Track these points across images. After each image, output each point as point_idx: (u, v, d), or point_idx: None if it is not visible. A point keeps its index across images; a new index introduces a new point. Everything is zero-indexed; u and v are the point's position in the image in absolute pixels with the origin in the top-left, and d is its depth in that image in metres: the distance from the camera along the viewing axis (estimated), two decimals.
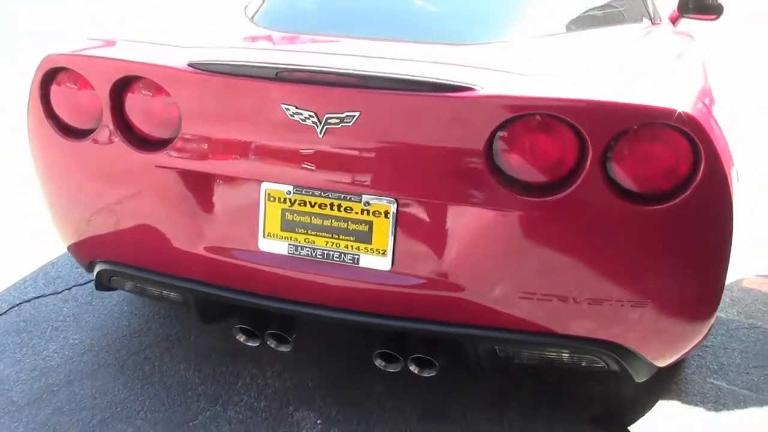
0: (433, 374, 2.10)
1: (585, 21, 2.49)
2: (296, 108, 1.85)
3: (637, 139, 1.77)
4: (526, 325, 1.95)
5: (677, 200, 1.76)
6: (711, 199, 1.78)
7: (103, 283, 2.31)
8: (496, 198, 1.83)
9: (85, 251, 2.31)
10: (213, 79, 1.93)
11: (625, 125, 1.75)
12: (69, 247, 2.37)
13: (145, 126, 2.05)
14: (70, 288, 2.95)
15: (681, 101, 1.76)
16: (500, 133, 1.80)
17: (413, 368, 2.11)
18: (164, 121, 2.02)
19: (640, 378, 2.06)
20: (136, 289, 2.31)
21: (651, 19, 2.78)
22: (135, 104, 2.04)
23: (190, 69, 1.93)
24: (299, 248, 1.99)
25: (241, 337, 2.22)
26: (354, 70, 1.84)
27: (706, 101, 1.89)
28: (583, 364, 2.04)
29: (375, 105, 1.83)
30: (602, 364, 2.01)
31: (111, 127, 2.05)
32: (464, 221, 1.89)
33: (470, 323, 1.96)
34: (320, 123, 1.84)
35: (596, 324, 1.92)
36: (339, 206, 1.94)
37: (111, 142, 2.06)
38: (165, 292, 2.24)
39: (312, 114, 1.84)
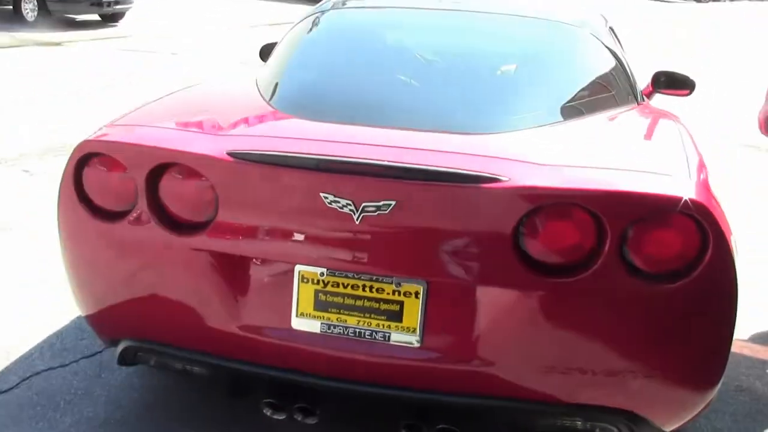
0: None
1: (583, 107, 2.66)
2: (334, 196, 1.97)
3: (650, 224, 1.92)
4: (546, 396, 2.07)
5: (688, 279, 1.92)
6: (718, 274, 1.94)
7: (127, 359, 2.37)
8: (520, 279, 1.97)
9: (110, 327, 2.38)
10: (253, 168, 2.04)
11: (640, 213, 1.91)
12: (90, 322, 2.43)
13: (180, 210, 2.14)
14: (77, 360, 2.99)
15: (686, 187, 1.93)
16: (526, 220, 1.94)
17: None
18: (200, 206, 2.11)
19: None
20: (160, 364, 2.37)
21: (636, 100, 2.98)
22: (171, 189, 2.13)
23: (230, 158, 2.04)
24: (331, 327, 2.09)
25: (268, 411, 2.28)
26: (391, 162, 1.97)
27: (703, 176, 2.08)
28: (597, 431, 2.17)
29: (410, 195, 1.96)
30: (615, 430, 2.13)
31: (146, 210, 2.14)
32: (490, 300, 2.01)
33: (494, 395, 2.08)
34: (357, 211, 1.96)
35: (611, 393, 2.06)
36: (371, 287, 2.05)
37: (145, 224, 2.14)
38: (191, 367, 2.31)
39: (349, 202, 1.96)
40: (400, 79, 2.73)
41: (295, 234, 2.06)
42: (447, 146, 2.14)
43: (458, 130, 2.28)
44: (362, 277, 2.05)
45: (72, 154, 2.21)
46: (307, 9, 3.34)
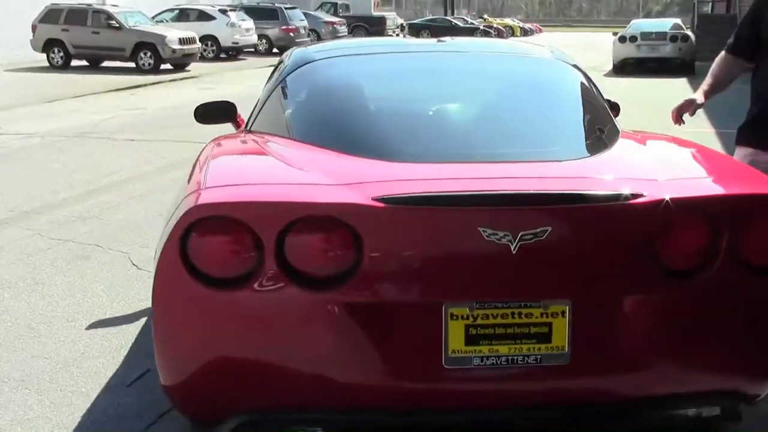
0: None
1: (604, 132, 2.85)
2: (492, 230, 2.01)
3: (756, 219, 2.19)
4: (676, 389, 2.26)
5: None
6: None
7: None
8: (658, 285, 2.14)
9: (221, 405, 2.19)
10: (405, 212, 2.03)
11: (750, 210, 2.18)
12: (188, 403, 2.24)
13: (315, 265, 2.05)
14: None
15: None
16: (661, 229, 2.13)
17: None
18: (339, 258, 2.05)
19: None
20: None
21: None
22: (304, 245, 2.04)
23: (381, 204, 2.01)
24: (484, 359, 2.11)
25: None
26: (549, 191, 2.06)
27: None
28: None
29: (561, 219, 2.06)
30: (719, 409, 2.36)
31: (276, 270, 2.03)
32: (630, 309, 2.16)
33: (641, 397, 2.23)
34: (515, 241, 2.02)
35: (725, 376, 2.30)
36: (520, 314, 2.11)
37: (276, 285, 2.04)
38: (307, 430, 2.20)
39: (508, 233, 2.02)
40: (457, 116, 2.80)
41: (442, 273, 2.07)
42: (571, 173, 2.27)
43: (548, 159, 2.42)
44: (510, 305, 2.10)
45: (180, 220, 2.02)
46: None
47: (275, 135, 2.79)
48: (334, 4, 34.94)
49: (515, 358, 2.12)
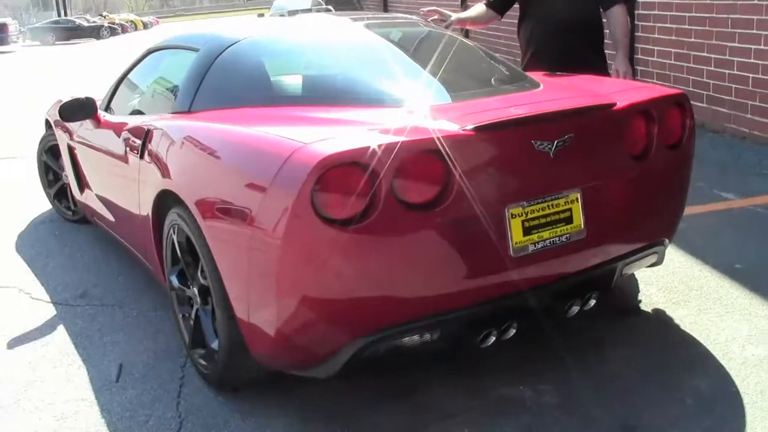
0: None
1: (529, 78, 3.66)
2: (540, 141, 2.68)
3: (669, 111, 3.10)
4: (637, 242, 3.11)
5: None
6: None
7: (358, 358, 2.57)
8: (629, 168, 2.96)
9: (339, 333, 2.54)
10: (485, 136, 2.59)
11: (666, 106, 3.09)
12: (311, 340, 2.55)
13: (419, 193, 2.50)
14: None
15: None
16: (629, 126, 2.95)
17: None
18: (436, 182, 2.53)
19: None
20: (391, 348, 2.64)
21: None
22: (411, 177, 2.47)
23: (470, 132, 2.56)
24: (536, 244, 2.76)
25: (483, 342, 2.78)
26: (569, 108, 2.77)
27: None
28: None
29: (576, 127, 2.77)
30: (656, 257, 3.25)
31: (389, 204, 2.42)
32: (614, 189, 2.94)
33: (629, 252, 3.04)
34: (553, 147, 2.71)
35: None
36: (552, 204, 2.78)
37: (394, 214, 2.45)
38: (425, 336, 2.67)
39: (549, 142, 2.70)
40: (432, 67, 3.34)
41: (506, 181, 2.68)
42: (563, 95, 3.00)
43: (528, 89, 3.15)
44: (546, 199, 2.77)
45: (310, 174, 2.32)
46: None
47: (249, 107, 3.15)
48: None
49: (554, 239, 2.79)
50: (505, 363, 3.08)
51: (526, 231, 2.72)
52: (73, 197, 5.23)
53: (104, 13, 53.39)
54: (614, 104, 2.87)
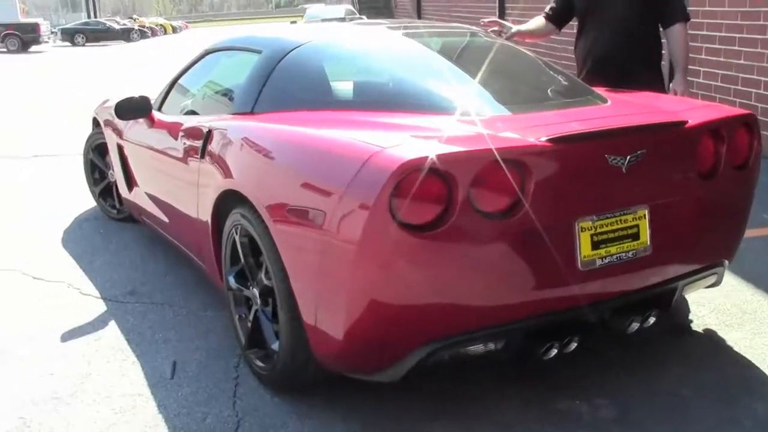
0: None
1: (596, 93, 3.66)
2: (614, 156, 2.67)
3: (735, 132, 3.08)
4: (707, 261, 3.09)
5: None
6: None
7: (424, 364, 2.57)
8: (696, 187, 2.94)
9: (408, 339, 2.54)
10: (562, 148, 2.57)
11: (728, 126, 3.08)
12: (378, 345, 2.56)
13: (495, 202, 2.50)
14: None
15: None
16: (699, 145, 2.94)
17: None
18: (511, 192, 2.52)
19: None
20: (457, 355, 2.65)
21: None
22: (487, 185, 2.47)
23: (548, 143, 2.55)
24: (603, 259, 2.75)
25: (545, 354, 2.77)
26: (647, 122, 2.76)
27: None
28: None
29: (648, 143, 2.76)
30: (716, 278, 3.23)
31: (465, 211, 2.42)
32: (680, 208, 2.93)
33: (689, 272, 3.02)
34: (626, 163, 2.71)
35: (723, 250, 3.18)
36: (620, 220, 2.77)
37: (471, 222, 2.45)
38: (489, 345, 2.66)
39: (622, 157, 2.69)
40: (496, 77, 3.35)
41: (577, 194, 2.67)
42: (633, 111, 3.00)
43: (596, 103, 3.16)
44: (615, 214, 2.76)
45: (389, 178, 2.32)
46: None
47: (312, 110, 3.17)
48: None
49: (620, 255, 2.78)
50: (561, 376, 3.08)
51: (595, 245, 2.71)
52: (119, 196, 5.27)
53: (134, 17, 54.03)
54: (686, 122, 2.86)
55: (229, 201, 3.14)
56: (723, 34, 7.02)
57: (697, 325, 3.60)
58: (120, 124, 4.69)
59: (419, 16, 20.08)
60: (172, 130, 3.88)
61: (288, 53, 3.44)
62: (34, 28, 32.70)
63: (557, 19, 4.43)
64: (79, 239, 5.17)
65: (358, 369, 2.70)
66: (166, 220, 4.14)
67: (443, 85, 3.27)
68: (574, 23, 4.44)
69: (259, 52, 3.58)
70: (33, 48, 32.99)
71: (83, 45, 37.33)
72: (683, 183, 2.92)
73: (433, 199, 2.41)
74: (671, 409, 2.87)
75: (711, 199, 3.00)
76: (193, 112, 4.06)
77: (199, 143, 3.43)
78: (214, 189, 3.22)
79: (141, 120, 4.27)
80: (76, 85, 16.94)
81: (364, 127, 2.82)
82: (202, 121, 3.58)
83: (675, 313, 3.67)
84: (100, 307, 3.98)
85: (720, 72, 7.15)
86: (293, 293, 2.69)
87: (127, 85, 14.41)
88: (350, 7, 24.37)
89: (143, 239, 5.06)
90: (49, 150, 8.61)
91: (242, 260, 3.11)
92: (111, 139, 4.99)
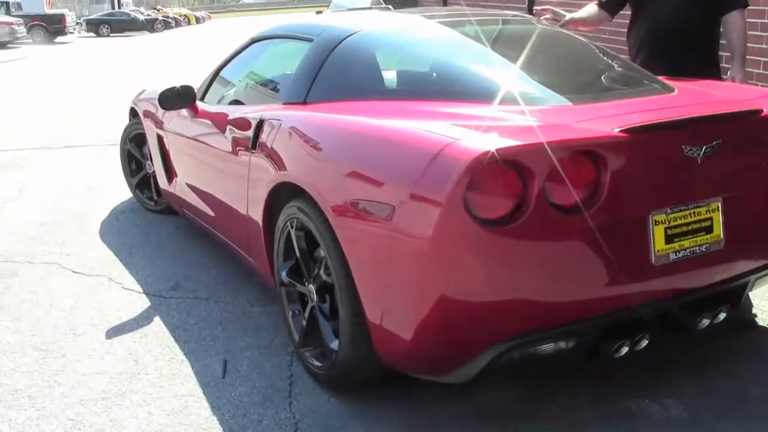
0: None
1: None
2: (690, 146, 2.54)
3: None
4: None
5: None
6: None
7: (494, 365, 2.45)
8: None
9: (480, 337, 2.42)
10: (638, 139, 2.44)
11: None
12: (447, 344, 2.45)
13: (571, 194, 2.37)
14: None
15: None
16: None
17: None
18: (586, 185, 2.41)
19: None
20: (529, 354, 2.52)
21: None
22: (564, 177, 2.34)
23: (624, 134, 2.42)
24: (677, 253, 2.62)
25: (616, 353, 2.65)
26: (723, 112, 2.62)
27: None
28: None
29: (724, 133, 2.62)
30: None
31: (541, 204, 2.31)
32: (754, 201, 2.79)
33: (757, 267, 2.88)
34: (701, 153, 2.57)
35: None
36: (694, 213, 2.64)
37: (547, 216, 2.33)
38: (561, 343, 2.54)
39: (698, 148, 2.55)
40: (561, 65, 3.22)
41: (652, 186, 2.54)
42: (705, 99, 2.85)
43: (664, 92, 3.00)
44: (689, 206, 2.63)
45: (464, 171, 2.21)
46: None
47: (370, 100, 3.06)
48: (5, 3, 32.23)
49: (693, 249, 2.65)
50: (623, 375, 2.96)
51: (668, 239, 2.58)
52: (157, 187, 5.19)
53: (158, 7, 54.11)
54: (762, 110, 2.72)
55: (283, 194, 3.04)
56: None
57: (762, 320, 3.46)
58: (160, 114, 4.61)
59: (445, 4, 19.87)
60: (218, 120, 3.78)
61: (341, 41, 3.32)
62: (60, 19, 32.81)
63: (610, 6, 4.29)
64: (116, 232, 5.09)
65: (427, 369, 2.59)
66: (210, 213, 4.04)
67: (501, 74, 3.13)
68: (625, 12, 4.29)
69: (310, 40, 3.47)
70: (58, 39, 33.12)
71: (108, 35, 37.43)
72: (756, 173, 2.78)
73: (509, 192, 2.30)
74: (742, 409, 2.75)
75: None
76: (238, 102, 3.96)
77: (249, 134, 3.33)
78: (267, 182, 3.12)
79: (183, 110, 4.17)
80: (110, 75, 16.92)
81: (426, 117, 2.70)
82: (251, 112, 3.48)
83: (739, 308, 3.52)
84: (143, 302, 3.90)
85: None
86: (356, 290, 2.57)
87: (168, 75, 14.35)
88: None
89: (182, 232, 4.98)
90: (79, 140, 8.57)
91: (297, 255, 3.00)
92: (150, 130, 4.91)
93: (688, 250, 2.63)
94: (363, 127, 2.76)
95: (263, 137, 3.21)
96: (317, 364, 2.94)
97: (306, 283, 2.99)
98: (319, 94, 3.21)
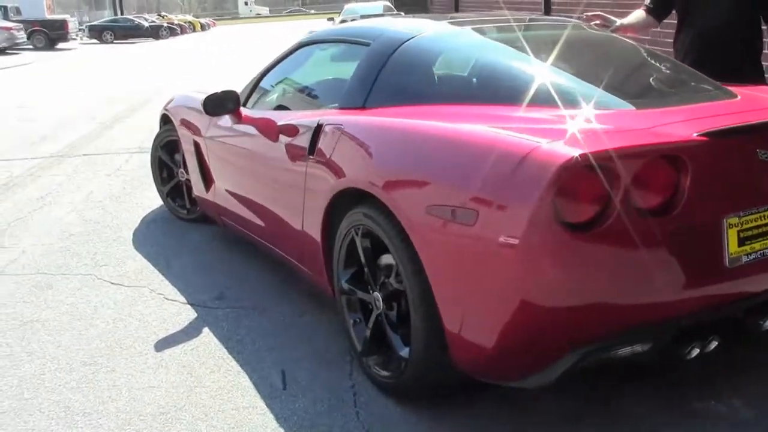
0: None
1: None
2: (763, 151, 2.50)
3: None
4: None
5: None
6: None
7: (575, 368, 2.42)
8: None
9: (562, 343, 2.39)
10: (715, 143, 2.41)
11: None
12: (521, 353, 2.42)
13: (654, 198, 2.35)
14: None
15: None
16: None
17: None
18: (668, 189, 2.37)
19: None
20: (606, 358, 2.49)
21: None
22: (647, 181, 2.32)
23: (704, 138, 2.39)
24: (749, 255, 2.57)
25: (689, 354, 2.62)
26: None
27: None
28: None
29: None
30: None
31: (625, 209, 2.28)
32: None
33: None
34: None
35: None
36: (765, 215, 2.58)
37: (624, 223, 2.29)
38: (637, 347, 2.51)
39: None
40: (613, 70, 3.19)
41: (726, 189, 2.50)
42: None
43: (728, 98, 2.99)
44: (759, 210, 2.58)
45: (553, 176, 2.18)
46: None
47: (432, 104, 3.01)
48: (3, 8, 32.20)
49: (764, 251, 2.60)
50: (687, 376, 2.95)
51: (741, 242, 2.54)
52: (190, 196, 5.17)
53: (162, 14, 54.19)
54: None
55: (345, 200, 3.00)
56: None
57: None
58: (198, 120, 4.58)
59: (456, 10, 19.87)
60: (265, 126, 3.74)
61: (401, 45, 3.28)
62: (61, 25, 32.84)
63: (657, 11, 4.27)
64: (150, 241, 5.05)
65: (507, 376, 2.55)
66: (256, 220, 4.00)
67: (562, 78, 3.09)
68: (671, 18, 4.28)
69: (366, 44, 3.43)
70: (60, 45, 33.13)
71: (111, 42, 37.47)
72: None
73: (595, 196, 2.27)
74: None
75: None
76: (285, 108, 3.92)
77: (305, 140, 3.29)
78: (328, 187, 3.07)
79: (225, 116, 4.14)
80: (121, 82, 16.91)
81: (496, 121, 2.67)
82: (304, 117, 3.44)
83: None
84: (188, 313, 3.86)
85: None
86: (432, 296, 2.54)
87: (192, 81, 14.35)
88: (387, 2, 24.16)
89: (219, 241, 4.95)
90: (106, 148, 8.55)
91: (363, 262, 2.96)
92: (186, 137, 4.88)
93: (759, 253, 2.59)
94: (438, 132, 2.71)
95: (322, 143, 3.17)
96: (385, 373, 2.90)
97: (371, 291, 2.96)
98: (379, 98, 3.17)
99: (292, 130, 3.47)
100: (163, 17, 48.66)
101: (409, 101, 3.08)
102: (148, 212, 5.74)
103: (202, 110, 4.07)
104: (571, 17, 4.20)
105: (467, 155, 2.52)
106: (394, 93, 3.15)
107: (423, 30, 3.47)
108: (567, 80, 3.06)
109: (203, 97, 4.07)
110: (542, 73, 3.11)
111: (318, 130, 3.21)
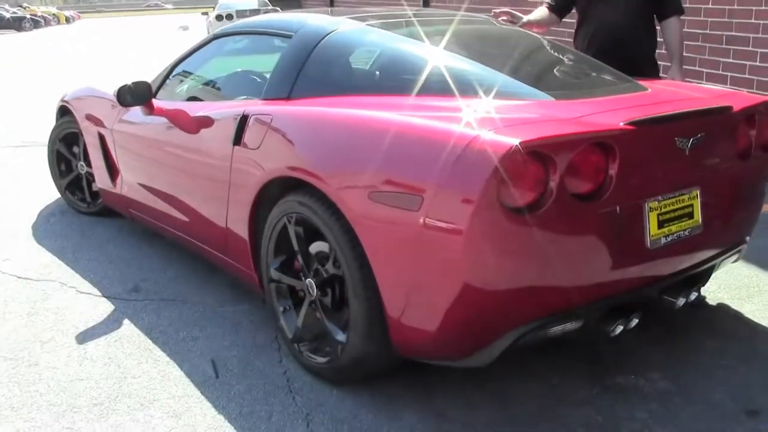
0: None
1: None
2: (681, 138, 2.72)
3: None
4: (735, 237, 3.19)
5: None
6: None
7: (514, 347, 2.56)
8: (737, 167, 3.02)
9: (503, 323, 2.53)
10: (641, 131, 2.60)
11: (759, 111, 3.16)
12: (466, 333, 2.54)
13: (587, 184, 2.51)
14: None
15: None
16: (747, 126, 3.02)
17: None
18: (599, 175, 2.54)
19: None
20: (542, 336, 2.64)
21: None
22: (580, 167, 2.47)
23: (631, 126, 2.57)
24: (667, 237, 2.78)
25: (614, 331, 2.81)
26: (707, 107, 2.82)
27: None
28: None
29: (705, 126, 2.82)
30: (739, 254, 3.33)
31: (561, 194, 2.42)
32: (723, 187, 3.00)
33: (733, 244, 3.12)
34: (689, 145, 2.75)
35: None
36: (679, 200, 2.82)
37: (566, 205, 2.45)
38: (570, 325, 2.67)
39: (686, 140, 2.74)
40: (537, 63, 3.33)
41: (649, 175, 2.70)
42: (675, 96, 3.05)
43: (640, 90, 3.19)
44: (676, 194, 2.81)
45: (496, 162, 2.28)
46: None
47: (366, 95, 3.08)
48: None
49: (679, 233, 2.83)
50: (605, 353, 3.15)
51: (660, 224, 2.76)
52: (90, 189, 5.03)
53: (24, 5, 51.68)
54: (732, 107, 2.94)
55: (275, 189, 3.02)
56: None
57: (711, 299, 3.70)
58: (102, 111, 4.47)
59: (331, 5, 19.93)
60: (182, 117, 3.70)
61: (324, 37, 3.33)
62: None
63: (559, 9, 4.53)
64: (52, 235, 4.90)
65: (448, 356, 2.66)
66: (172, 212, 3.96)
67: (481, 70, 3.21)
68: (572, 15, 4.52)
69: (288, 36, 3.46)
70: None
71: None
72: (725, 164, 3.00)
73: (534, 183, 2.39)
74: (721, 378, 2.97)
75: (744, 179, 3.11)
76: (199, 99, 3.89)
77: (228, 131, 3.29)
78: (258, 177, 3.09)
79: (134, 108, 4.05)
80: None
81: (426, 111, 2.75)
82: (227, 107, 3.44)
83: None
84: (105, 305, 3.79)
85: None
86: (375, 282, 2.61)
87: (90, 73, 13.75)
88: None
89: (126, 233, 4.85)
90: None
91: (296, 249, 3.00)
92: (89, 129, 4.75)
93: (675, 235, 2.81)
94: (380, 121, 2.76)
95: (249, 133, 3.18)
96: (317, 358, 2.95)
97: (303, 278, 3.00)
98: (304, 89, 3.21)
99: (212, 122, 3.46)
100: (25, 8, 46.45)
101: (334, 92, 3.14)
102: (44, 207, 5.54)
103: (110, 101, 3.97)
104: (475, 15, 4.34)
105: (411, 144, 2.59)
106: (319, 84, 3.21)
107: (343, 24, 3.51)
108: (485, 72, 3.19)
109: (113, 88, 3.97)
110: (461, 65, 3.23)
111: (244, 120, 3.22)
